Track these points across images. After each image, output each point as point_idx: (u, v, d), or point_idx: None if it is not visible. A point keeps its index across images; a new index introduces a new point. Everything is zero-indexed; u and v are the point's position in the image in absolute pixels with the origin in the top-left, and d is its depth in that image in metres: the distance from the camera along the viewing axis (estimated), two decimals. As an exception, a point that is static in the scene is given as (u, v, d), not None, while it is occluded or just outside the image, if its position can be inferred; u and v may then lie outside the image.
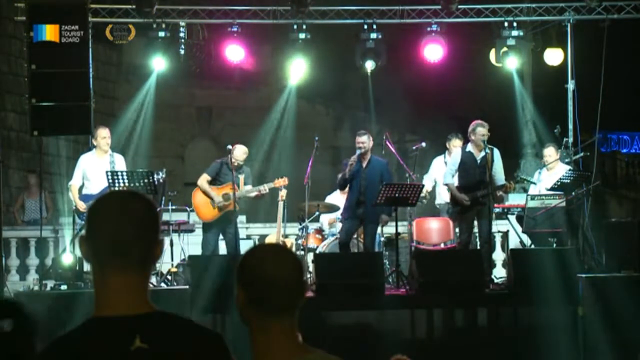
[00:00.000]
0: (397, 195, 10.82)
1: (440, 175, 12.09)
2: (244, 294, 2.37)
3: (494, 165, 11.02)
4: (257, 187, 11.55)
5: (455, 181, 11.24)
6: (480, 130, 11.03)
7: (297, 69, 12.92)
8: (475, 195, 10.93)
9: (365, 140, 11.16)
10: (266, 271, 2.36)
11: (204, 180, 11.54)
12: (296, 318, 2.37)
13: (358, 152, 11.08)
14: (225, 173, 11.53)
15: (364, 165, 11.19)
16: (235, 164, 11.41)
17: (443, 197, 12.22)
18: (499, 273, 12.34)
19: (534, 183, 11.92)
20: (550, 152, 12.00)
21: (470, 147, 11.19)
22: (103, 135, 11.16)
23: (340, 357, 2.42)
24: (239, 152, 11.53)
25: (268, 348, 2.34)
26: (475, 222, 11.14)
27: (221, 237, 11.56)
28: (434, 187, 12.48)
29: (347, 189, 11.46)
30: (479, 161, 11.07)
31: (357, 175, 11.14)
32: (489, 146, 11.01)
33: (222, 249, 11.69)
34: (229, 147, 11.50)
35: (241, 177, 11.45)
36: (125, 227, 2.23)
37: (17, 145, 15.86)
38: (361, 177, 11.13)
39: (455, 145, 12.07)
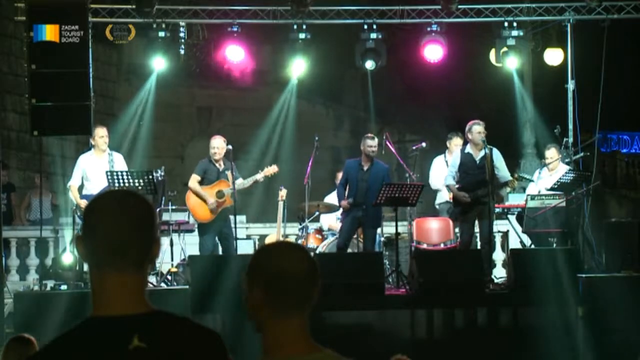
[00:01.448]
0: (397, 195, 10.83)
1: (441, 175, 12.09)
2: (261, 291, 2.34)
3: (496, 164, 11.01)
4: (251, 178, 11.44)
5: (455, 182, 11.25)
6: (476, 128, 11.04)
7: (298, 69, 12.91)
8: (477, 195, 10.92)
9: (376, 145, 11.19)
10: (287, 266, 2.34)
11: (194, 181, 11.42)
12: (307, 316, 2.36)
13: (351, 200, 11.05)
14: (212, 170, 11.44)
15: (365, 168, 11.19)
16: (217, 155, 11.32)
17: (443, 197, 12.22)
18: (499, 273, 12.34)
19: (532, 180, 11.92)
20: (552, 154, 12.00)
21: (469, 148, 11.18)
22: (101, 135, 11.15)
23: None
24: (218, 143, 11.42)
25: (276, 346, 2.33)
26: (476, 222, 11.15)
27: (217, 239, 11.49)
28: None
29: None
30: (478, 161, 11.06)
31: (357, 178, 11.12)
32: (488, 146, 11.01)
33: (221, 249, 11.64)
34: (230, 147, 11.46)
35: (228, 173, 11.36)
36: (123, 227, 2.22)
37: (17, 145, 15.87)
38: (362, 179, 11.11)
39: (457, 144, 12.08)
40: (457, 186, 11.17)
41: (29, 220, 13.98)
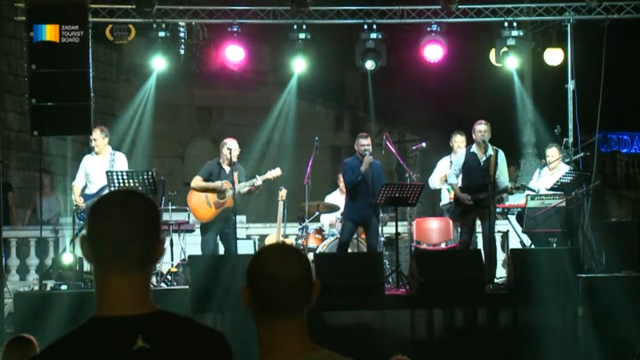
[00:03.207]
0: (397, 195, 10.83)
1: (442, 176, 12.10)
2: (249, 293, 2.37)
3: (498, 167, 11.00)
4: (250, 181, 11.35)
5: (459, 181, 11.25)
6: (477, 127, 11.07)
7: (298, 68, 12.90)
8: (477, 198, 10.92)
9: (370, 143, 11.16)
10: (269, 271, 2.35)
11: (197, 181, 11.30)
12: (304, 318, 2.36)
13: (368, 154, 11.03)
14: (217, 173, 11.29)
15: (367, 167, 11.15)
16: (232, 159, 11.23)
17: (446, 198, 12.21)
18: (499, 273, 12.33)
19: (533, 190, 11.87)
20: (552, 153, 11.99)
21: (474, 148, 11.19)
22: (93, 138, 11.14)
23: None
24: (231, 146, 11.34)
25: (273, 347, 2.34)
26: (479, 225, 11.17)
27: (218, 238, 11.46)
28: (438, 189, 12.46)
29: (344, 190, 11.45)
30: (482, 163, 11.04)
31: (365, 178, 11.06)
32: (494, 147, 11.00)
33: (222, 249, 11.62)
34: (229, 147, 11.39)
35: (235, 174, 11.31)
36: (126, 227, 2.22)
37: (17, 145, 15.87)
38: (368, 178, 11.06)
39: (456, 141, 12.12)
40: (459, 185, 11.18)
41: (43, 221, 13.91)
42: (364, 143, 11.13)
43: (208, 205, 11.24)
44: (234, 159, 11.23)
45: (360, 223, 11.15)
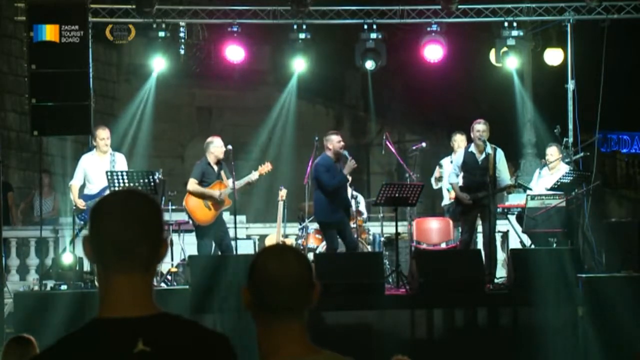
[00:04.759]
0: (397, 195, 10.82)
1: (445, 176, 12.11)
2: (249, 294, 2.36)
3: (497, 165, 10.98)
4: (245, 178, 11.27)
5: (459, 181, 11.24)
6: (476, 127, 11.06)
7: (298, 68, 12.90)
8: (477, 197, 10.91)
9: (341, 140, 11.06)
10: (268, 272, 2.35)
11: (193, 184, 11.15)
12: (304, 319, 2.36)
13: (347, 153, 10.95)
14: (210, 173, 11.27)
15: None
16: (221, 156, 11.21)
17: (448, 198, 12.22)
18: (499, 273, 12.34)
19: (530, 188, 11.87)
20: (552, 152, 11.99)
21: (472, 147, 11.18)
22: (102, 137, 11.10)
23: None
24: (219, 144, 11.30)
25: (273, 348, 2.34)
26: (480, 223, 11.18)
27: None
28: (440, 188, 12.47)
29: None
30: (480, 162, 11.03)
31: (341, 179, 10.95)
32: (492, 146, 10.99)
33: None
34: (229, 147, 11.37)
35: (222, 173, 11.24)
36: (129, 227, 2.20)
37: (17, 145, 15.87)
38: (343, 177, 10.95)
39: (457, 140, 12.12)
40: (460, 185, 11.17)
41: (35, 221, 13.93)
42: (340, 140, 10.96)
43: (207, 208, 11.12)
44: (219, 156, 11.18)
45: (337, 224, 10.89)
